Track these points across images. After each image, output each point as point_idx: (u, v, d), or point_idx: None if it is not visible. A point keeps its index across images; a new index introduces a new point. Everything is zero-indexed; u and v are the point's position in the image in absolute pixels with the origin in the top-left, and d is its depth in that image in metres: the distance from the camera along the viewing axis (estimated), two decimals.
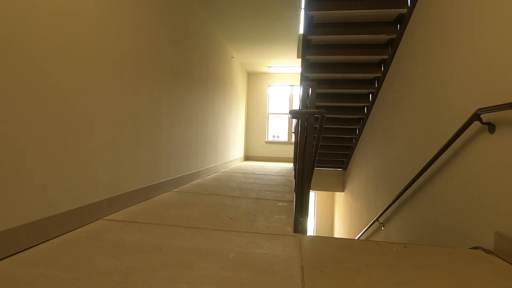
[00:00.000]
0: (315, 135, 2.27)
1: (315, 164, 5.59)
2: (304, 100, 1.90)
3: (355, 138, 4.71)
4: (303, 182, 1.68)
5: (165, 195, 2.71)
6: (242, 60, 6.33)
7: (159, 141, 2.69)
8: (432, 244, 1.98)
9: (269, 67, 6.92)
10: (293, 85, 7.44)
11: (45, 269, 1.13)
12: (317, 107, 4.26)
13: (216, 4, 3.77)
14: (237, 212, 2.16)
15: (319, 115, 1.70)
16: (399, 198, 2.76)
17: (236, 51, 5.68)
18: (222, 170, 4.89)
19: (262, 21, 4.26)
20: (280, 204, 2.52)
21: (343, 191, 5.94)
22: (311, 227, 8.48)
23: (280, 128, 7.77)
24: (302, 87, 1.89)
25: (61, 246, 1.37)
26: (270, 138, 7.68)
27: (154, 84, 2.55)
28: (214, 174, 4.37)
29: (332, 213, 8.09)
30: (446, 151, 1.97)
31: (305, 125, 1.68)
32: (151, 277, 1.09)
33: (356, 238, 3.86)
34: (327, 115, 4.37)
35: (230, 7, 3.85)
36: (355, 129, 4.57)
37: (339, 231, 6.78)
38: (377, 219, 3.30)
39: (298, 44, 5.01)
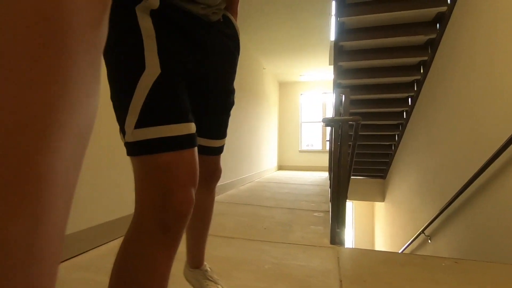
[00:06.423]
0: (350, 143, 2.20)
1: (352, 173, 5.37)
2: (337, 107, 1.86)
3: (394, 145, 4.46)
4: (339, 191, 1.63)
5: None
6: (273, 70, 6.40)
7: None
8: (487, 260, 1.79)
9: (300, 75, 6.90)
10: (326, 93, 7.33)
11: (94, 274, 1.22)
12: (351, 114, 4.14)
13: (246, 17, 3.89)
14: (271, 223, 2.15)
15: (353, 122, 1.65)
16: (447, 209, 2.54)
17: (268, 62, 5.76)
18: (256, 180, 4.92)
19: (292, 31, 4.30)
20: (316, 214, 2.46)
21: (383, 201, 5.63)
22: (350, 239, 8.11)
23: (314, 137, 7.65)
24: (334, 95, 1.86)
25: (109, 253, 1.47)
26: (304, 147, 7.57)
27: None
28: (248, 184, 4.41)
29: (372, 225, 7.67)
30: (500, 156, 1.79)
31: (339, 133, 1.64)
32: (188, 284, 1.12)
33: (399, 252, 3.61)
34: (363, 122, 4.21)
35: (260, 19, 3.95)
36: (394, 135, 4.34)
37: (380, 244, 6.39)
38: (422, 232, 3.06)
39: (329, 51, 4.95)
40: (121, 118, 0.51)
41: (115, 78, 0.52)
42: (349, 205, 8.16)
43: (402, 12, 2.83)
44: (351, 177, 5.46)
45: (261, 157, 5.54)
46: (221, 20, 0.68)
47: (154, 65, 0.50)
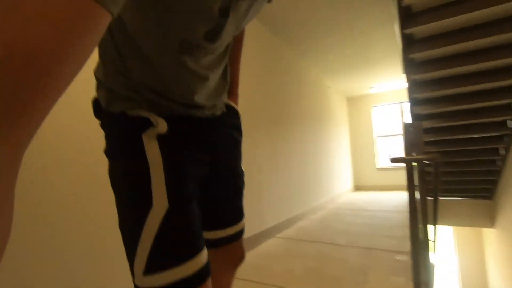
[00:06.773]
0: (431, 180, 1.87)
1: (445, 194, 4.58)
2: (408, 142, 1.61)
3: (499, 159, 3.65)
4: (425, 250, 1.37)
5: (269, 242, 2.74)
6: (339, 87, 6.12)
7: (261, 189, 2.80)
8: None
9: (370, 88, 6.41)
10: (402, 102, 6.59)
11: None
12: (435, 129, 3.58)
13: (304, 43, 3.85)
14: (343, 268, 1.95)
15: (430, 162, 1.39)
16: None
17: (332, 80, 5.55)
18: (329, 207, 4.64)
19: (354, 46, 4.06)
20: (398, 257, 2.14)
21: (492, 226, 4.60)
22: (455, 274, 6.81)
23: (395, 150, 6.87)
24: (403, 127, 1.61)
25: None
26: (383, 163, 6.85)
27: (251, 134, 2.73)
28: (319, 212, 4.19)
29: (482, 254, 6.30)
30: None
31: (415, 176, 1.41)
32: None
33: None
34: (455, 137, 3.60)
35: (319, 41, 3.86)
36: (497, 148, 3.56)
37: (496, 278, 5.17)
38: None
39: (401, 58, 4.47)
40: (129, 257, 0.47)
41: (122, 211, 0.49)
42: (449, 230, 6.94)
43: (486, 9, 2.37)
44: (446, 198, 4.67)
45: (333, 180, 5.24)
46: (225, 111, 0.66)
47: (162, 199, 0.46)
